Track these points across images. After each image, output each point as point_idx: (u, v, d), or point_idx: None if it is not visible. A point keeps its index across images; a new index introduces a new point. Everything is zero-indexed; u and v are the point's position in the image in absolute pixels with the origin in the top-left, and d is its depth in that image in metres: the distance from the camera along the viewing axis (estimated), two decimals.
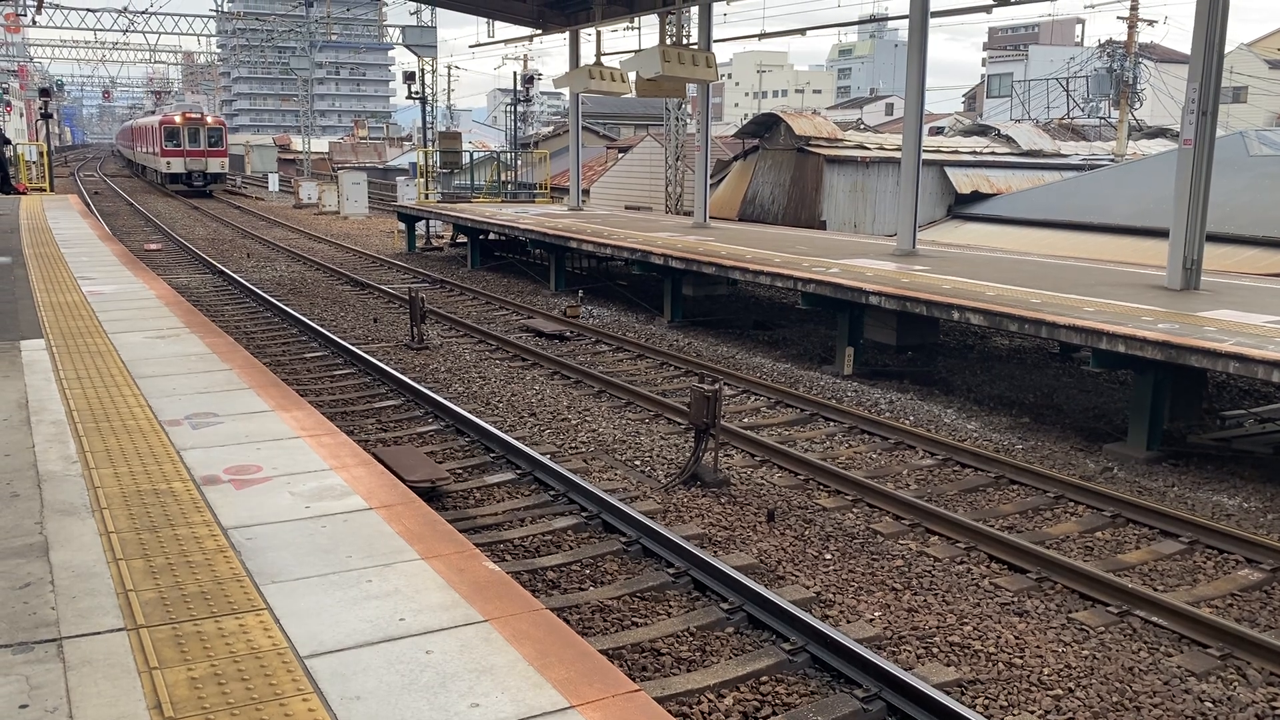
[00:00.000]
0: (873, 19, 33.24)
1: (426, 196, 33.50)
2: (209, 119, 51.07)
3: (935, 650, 6.16)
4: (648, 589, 6.85)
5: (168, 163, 49.38)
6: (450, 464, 9.39)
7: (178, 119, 49.82)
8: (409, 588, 4.38)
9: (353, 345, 14.17)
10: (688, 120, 30.69)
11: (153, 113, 69.29)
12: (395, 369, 12.79)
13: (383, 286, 20.18)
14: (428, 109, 43.05)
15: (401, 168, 57.44)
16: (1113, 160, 29.56)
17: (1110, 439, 10.47)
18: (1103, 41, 40.74)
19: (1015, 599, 6.89)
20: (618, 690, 3.59)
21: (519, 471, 9.15)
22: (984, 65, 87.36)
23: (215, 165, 50.48)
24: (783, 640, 6.06)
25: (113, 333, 9.72)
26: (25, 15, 48.40)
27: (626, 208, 30.49)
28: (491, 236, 24.73)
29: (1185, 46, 12.76)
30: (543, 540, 7.73)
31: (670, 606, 6.65)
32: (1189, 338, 9.18)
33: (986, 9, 17.33)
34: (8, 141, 35.48)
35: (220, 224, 33.95)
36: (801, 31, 24.08)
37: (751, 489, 8.96)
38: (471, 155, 41.38)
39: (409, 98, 42.96)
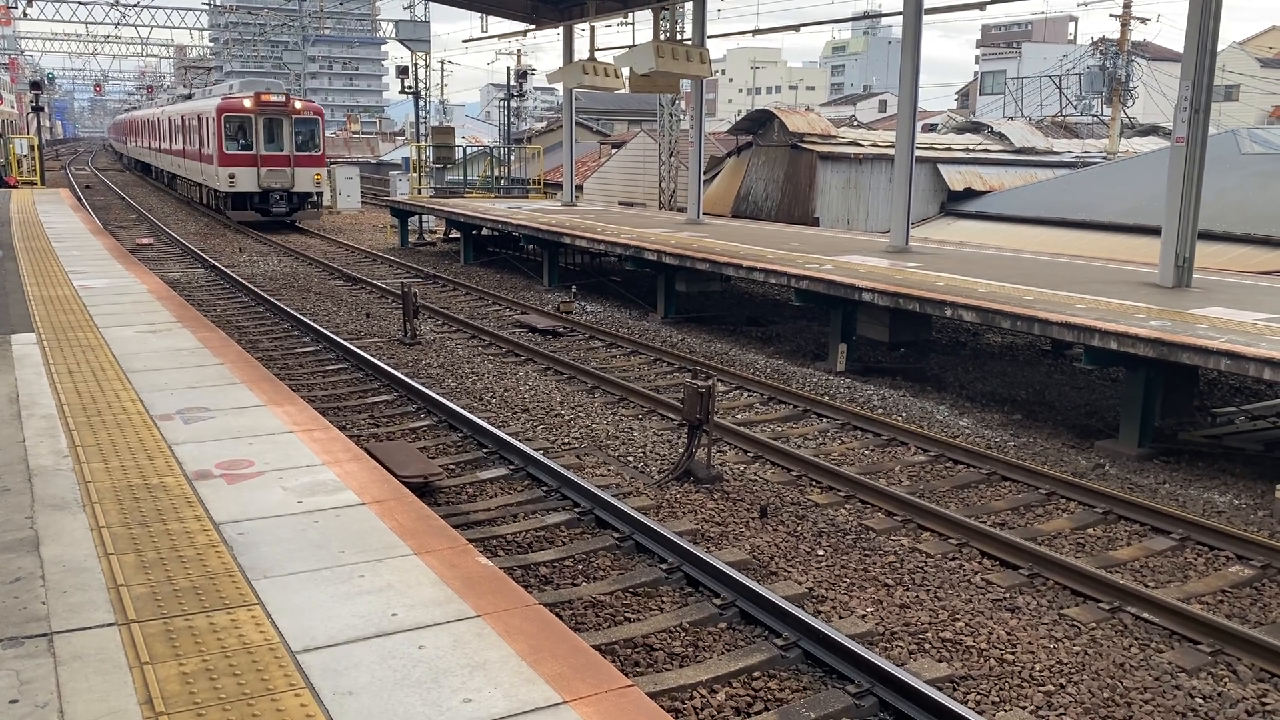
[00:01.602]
0: (866, 15, 33.27)
1: (419, 191, 33.45)
2: (297, 104, 31.41)
3: (927, 646, 6.17)
4: (640, 585, 6.86)
5: (230, 176, 30.19)
6: (443, 459, 9.38)
7: (248, 103, 30.40)
8: (401, 583, 4.37)
9: (345, 340, 14.14)
10: (681, 116, 30.69)
11: (188, 96, 45.36)
12: (388, 364, 12.77)
13: (375, 281, 20.14)
14: (421, 104, 42.96)
15: (394, 162, 57.25)
16: (1105, 158, 29.62)
17: (1102, 436, 10.50)
18: (1095, 39, 40.81)
19: (1007, 595, 6.90)
20: (610, 686, 3.59)
21: (512, 467, 9.14)
22: (977, 63, 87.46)
23: (306, 180, 31.13)
24: (775, 636, 6.07)
25: (104, 327, 9.68)
26: (16, 7, 48.15)
27: (620, 203, 30.49)
28: (484, 232, 24.69)
29: (1178, 44, 12.80)
30: (536, 536, 7.73)
31: (663, 602, 6.65)
32: (1180, 335, 9.21)
33: (980, 6, 17.34)
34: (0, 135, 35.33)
35: (211, 219, 33.87)
36: (795, 28, 24.14)
37: (744, 485, 8.97)
38: (464, 150, 41.34)
39: (402, 92, 42.85)
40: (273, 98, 30.73)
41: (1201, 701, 5.66)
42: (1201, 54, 11.68)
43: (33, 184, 34.63)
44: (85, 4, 52.18)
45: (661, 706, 4.74)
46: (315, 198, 31.80)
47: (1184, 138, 11.83)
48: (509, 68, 44.16)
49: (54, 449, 6.00)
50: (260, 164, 30.34)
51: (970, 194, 25.75)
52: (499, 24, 29.96)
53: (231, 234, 29.52)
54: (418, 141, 39.48)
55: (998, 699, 5.63)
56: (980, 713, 5.47)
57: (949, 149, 27.87)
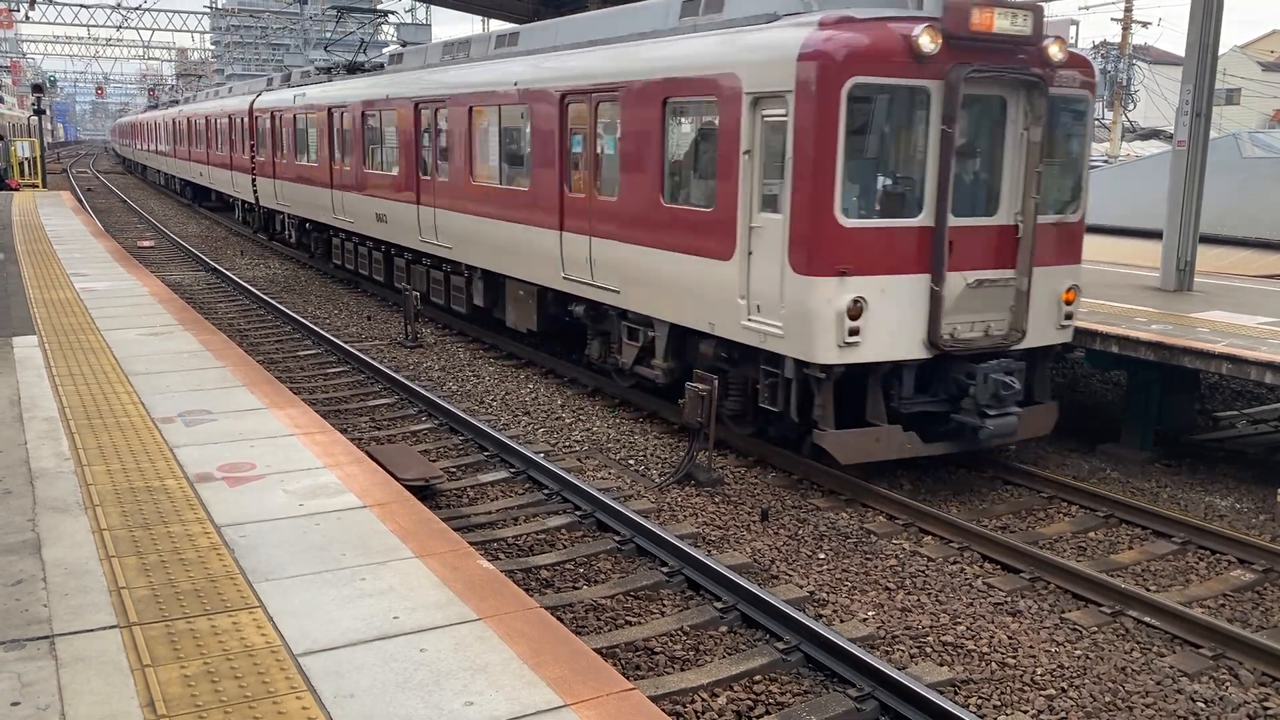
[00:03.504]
0: None
1: None
2: (1052, 48, 8.70)
3: (929, 650, 6.16)
4: (641, 588, 6.85)
5: (836, 317, 8.12)
6: (444, 462, 9.38)
7: (926, 43, 8.01)
8: (403, 586, 4.37)
9: (346, 343, 14.15)
10: None
11: (400, 52, 18.66)
12: (389, 367, 12.77)
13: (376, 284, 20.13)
14: None
15: None
16: (1106, 161, 29.65)
17: (1104, 439, 10.49)
18: (1097, 43, 40.87)
19: (1008, 599, 6.90)
20: (612, 689, 3.59)
21: (513, 470, 9.14)
22: None
23: (1046, 315, 9.09)
24: (776, 639, 6.06)
25: (106, 330, 9.69)
26: (18, 10, 48.25)
27: None
28: None
29: (1179, 48, 12.82)
30: (537, 539, 7.72)
31: (664, 605, 6.65)
32: (1182, 339, 9.20)
33: None
34: (1, 138, 35.44)
35: (212, 221, 33.88)
36: None
37: (745, 488, 8.96)
38: None
39: None
40: (995, 19, 8.39)
41: (1203, 705, 5.65)
42: (1203, 58, 11.69)
43: (34, 187, 34.69)
44: (87, 7, 52.33)
45: (663, 710, 4.74)
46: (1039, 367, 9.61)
47: (1185, 141, 11.84)
48: None
49: (56, 451, 6.01)
50: (978, 256, 8.81)
51: None
52: (501, 27, 29.98)
53: (232, 237, 29.50)
54: None
55: (999, 703, 5.63)
56: (982, 716, 5.46)
57: None
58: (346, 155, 18.68)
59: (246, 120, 25.55)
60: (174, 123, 40.31)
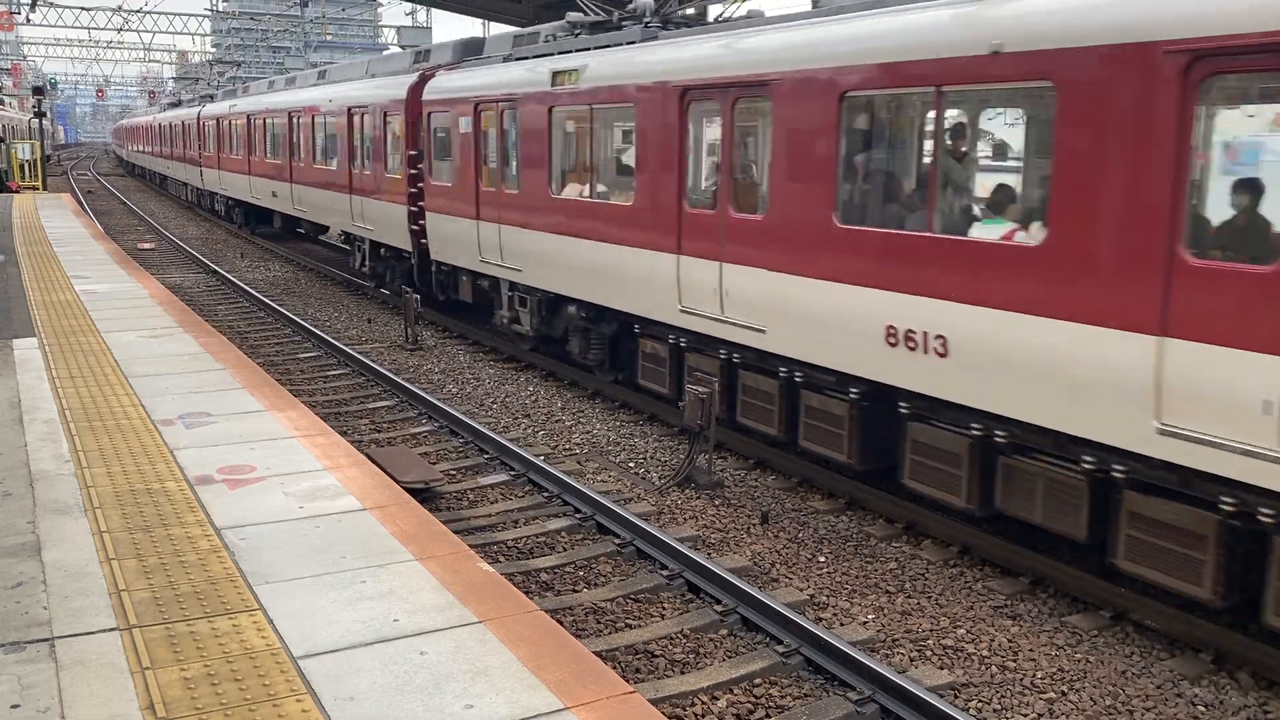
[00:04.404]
0: None
1: None
2: None
3: (929, 653, 6.16)
4: (642, 591, 6.85)
5: None
6: (444, 465, 9.38)
7: None
8: (403, 588, 4.38)
9: (346, 346, 14.15)
10: None
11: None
12: (389, 370, 12.78)
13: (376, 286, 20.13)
14: None
15: None
16: None
17: None
18: None
19: (1008, 602, 6.89)
20: (612, 692, 3.59)
21: (513, 473, 9.14)
22: None
23: None
24: (776, 643, 6.06)
25: (106, 331, 9.70)
26: (19, 13, 48.32)
27: None
28: None
29: None
30: (537, 541, 7.72)
31: (664, 608, 6.65)
32: None
33: None
34: (1, 140, 35.47)
35: (213, 224, 33.90)
36: None
37: (745, 491, 8.96)
38: None
39: None
40: None
41: (1204, 709, 5.65)
42: None
43: (35, 189, 34.72)
44: (88, 9, 52.41)
45: (663, 713, 4.74)
46: None
47: None
48: None
49: (56, 453, 6.01)
50: None
51: None
52: (502, 30, 30.04)
53: (233, 239, 29.51)
54: None
55: (999, 706, 5.62)
56: None
57: None
58: (752, 189, 9.13)
59: (401, 120, 15.97)
60: (221, 124, 29.32)
